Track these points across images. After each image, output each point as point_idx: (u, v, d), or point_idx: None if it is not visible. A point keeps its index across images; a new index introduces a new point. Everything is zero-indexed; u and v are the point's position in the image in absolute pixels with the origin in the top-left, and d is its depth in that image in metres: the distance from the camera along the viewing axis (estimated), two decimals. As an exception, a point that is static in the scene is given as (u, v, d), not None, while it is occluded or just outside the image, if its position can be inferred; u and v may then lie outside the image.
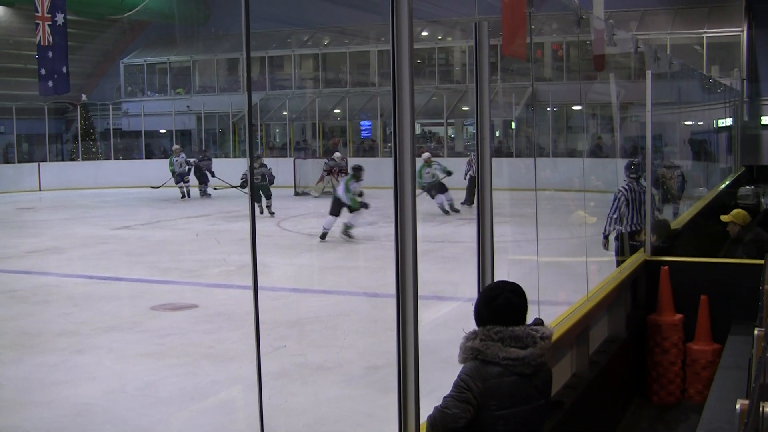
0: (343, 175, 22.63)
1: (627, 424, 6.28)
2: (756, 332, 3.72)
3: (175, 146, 23.93)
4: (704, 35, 25.20)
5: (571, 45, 24.10)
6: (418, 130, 27.74)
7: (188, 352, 7.03)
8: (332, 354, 6.90)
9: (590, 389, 5.12)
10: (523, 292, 3.26)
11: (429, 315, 7.80)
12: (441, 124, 27.45)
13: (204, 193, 22.49)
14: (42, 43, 9.49)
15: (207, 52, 31.51)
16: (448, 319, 7.70)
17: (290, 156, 27.07)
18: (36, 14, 9.68)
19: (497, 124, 25.84)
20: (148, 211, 19.74)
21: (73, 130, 29.84)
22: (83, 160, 28.61)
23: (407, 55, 2.85)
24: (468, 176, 18.79)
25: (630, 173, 8.42)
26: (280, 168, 22.82)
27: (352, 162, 23.36)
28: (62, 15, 9.66)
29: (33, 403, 5.80)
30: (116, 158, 29.67)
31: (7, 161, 28.24)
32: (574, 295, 5.58)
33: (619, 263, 7.51)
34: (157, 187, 23.46)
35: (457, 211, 16.99)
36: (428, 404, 3.09)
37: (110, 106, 30.87)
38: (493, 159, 3.75)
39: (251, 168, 2.91)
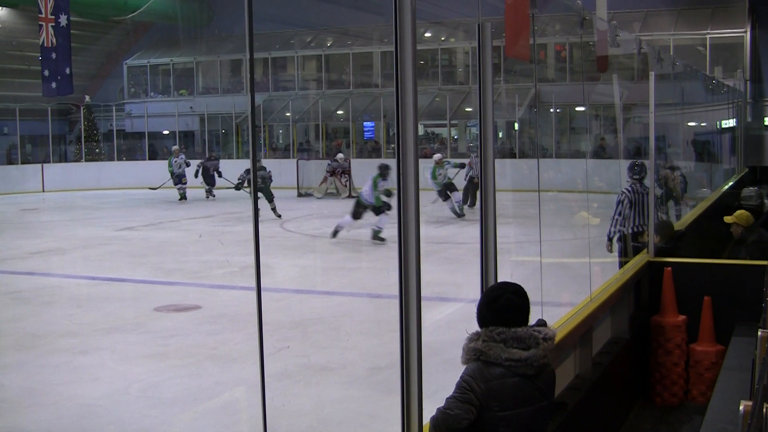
0: (346, 176, 22.68)
1: (630, 425, 6.28)
2: (759, 333, 3.70)
3: (175, 147, 23.82)
4: (707, 36, 25.15)
5: (574, 46, 24.08)
6: (421, 131, 27.71)
7: (191, 353, 7.03)
8: (335, 355, 6.90)
9: (593, 390, 5.12)
10: (525, 293, 3.25)
11: (432, 316, 7.80)
12: (444, 126, 27.42)
13: (210, 194, 22.12)
14: (45, 45, 9.50)
15: (210, 53, 31.50)
16: (451, 321, 7.71)
17: (293, 157, 27.08)
18: (39, 15, 9.69)
19: (500, 126, 25.80)
20: (151, 212, 19.74)
21: (77, 131, 29.86)
22: (86, 161, 28.64)
23: (410, 56, 2.85)
24: (468, 176, 18.77)
25: (633, 174, 8.40)
26: (283, 169, 22.80)
27: (355, 163, 23.43)
28: (66, 16, 9.66)
29: (36, 404, 5.80)
30: (119, 159, 29.70)
31: (10, 162, 28.22)
32: (578, 297, 5.58)
33: (622, 264, 7.51)
34: (156, 188, 23.45)
35: (463, 215, 16.98)
36: (431, 405, 3.09)
37: (113, 108, 30.90)
38: (496, 160, 3.75)
39: (254, 169, 2.90)
